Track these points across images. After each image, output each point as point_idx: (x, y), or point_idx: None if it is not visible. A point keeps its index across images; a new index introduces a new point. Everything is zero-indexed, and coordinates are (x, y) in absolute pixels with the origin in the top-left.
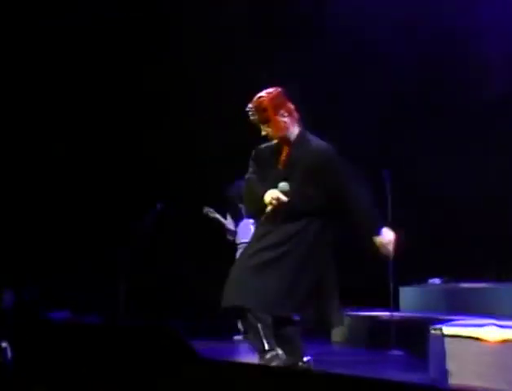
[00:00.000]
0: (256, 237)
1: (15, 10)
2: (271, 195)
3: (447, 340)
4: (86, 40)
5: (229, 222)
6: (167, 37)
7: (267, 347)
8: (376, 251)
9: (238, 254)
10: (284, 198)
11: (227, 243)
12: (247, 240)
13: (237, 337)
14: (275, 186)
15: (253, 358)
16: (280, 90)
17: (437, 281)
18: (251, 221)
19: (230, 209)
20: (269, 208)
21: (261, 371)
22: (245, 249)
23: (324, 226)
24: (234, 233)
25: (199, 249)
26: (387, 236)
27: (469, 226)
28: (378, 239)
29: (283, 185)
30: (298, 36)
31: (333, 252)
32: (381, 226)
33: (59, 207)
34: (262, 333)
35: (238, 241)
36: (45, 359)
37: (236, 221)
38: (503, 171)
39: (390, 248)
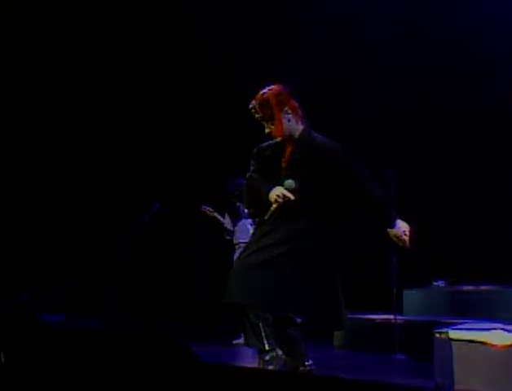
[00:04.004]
0: (259, 234)
1: None
2: (277, 193)
3: (453, 344)
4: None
5: (227, 222)
6: (166, 38)
7: (267, 347)
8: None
9: (236, 254)
10: (290, 195)
11: (226, 243)
12: (245, 240)
13: (237, 341)
14: (280, 184)
15: (252, 362)
16: (282, 86)
17: (441, 283)
18: (249, 220)
19: (228, 209)
20: (274, 205)
21: (261, 376)
22: (248, 246)
23: (329, 224)
24: (232, 233)
25: (197, 250)
26: (402, 228)
27: (474, 227)
28: (393, 232)
29: (289, 182)
30: (298, 35)
31: (338, 253)
32: (396, 218)
33: (54, 209)
34: (262, 332)
35: (236, 241)
36: (38, 363)
37: (234, 220)
38: (509, 172)
39: (406, 239)
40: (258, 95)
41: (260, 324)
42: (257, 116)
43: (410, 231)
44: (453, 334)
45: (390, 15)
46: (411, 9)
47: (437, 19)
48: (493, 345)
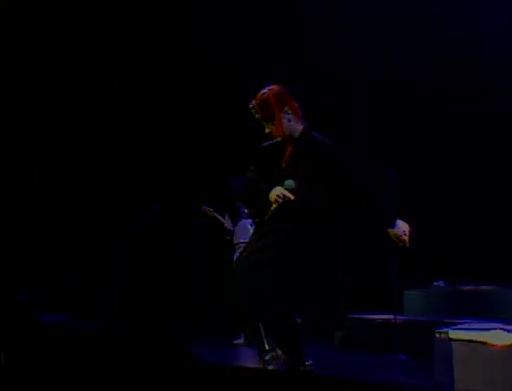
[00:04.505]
0: (259, 234)
1: None
2: (277, 193)
3: (453, 344)
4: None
5: (227, 222)
6: (166, 38)
7: (267, 347)
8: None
9: (236, 254)
10: (290, 195)
11: (226, 243)
12: (245, 240)
13: (237, 341)
14: (280, 184)
15: (252, 362)
16: (282, 86)
17: (441, 283)
18: (249, 221)
19: (228, 209)
20: (274, 205)
21: (261, 376)
22: (248, 246)
23: (329, 224)
24: (232, 233)
25: (197, 250)
26: (402, 228)
27: (474, 227)
28: (393, 232)
29: (289, 182)
30: (298, 34)
31: (338, 253)
32: (395, 218)
33: (54, 209)
34: (262, 332)
35: (236, 241)
36: (38, 363)
37: (234, 220)
38: (509, 172)
39: (406, 239)
40: (258, 95)
41: (260, 324)
42: (257, 116)
43: (410, 231)
44: (453, 334)
45: (390, 14)
46: (410, 9)
47: (436, 20)
48: (493, 345)
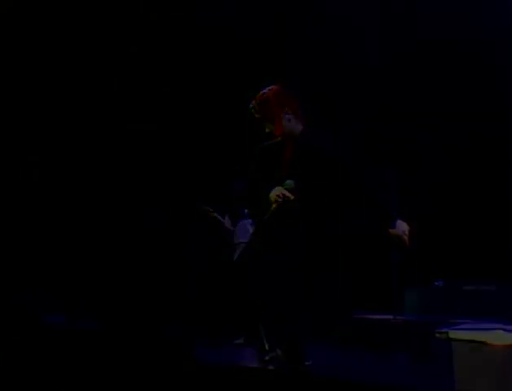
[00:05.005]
0: (259, 235)
1: None
2: (277, 193)
3: (453, 344)
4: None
5: (227, 222)
6: (166, 38)
7: (267, 347)
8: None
9: (236, 254)
10: (290, 195)
11: (226, 243)
12: (245, 240)
13: (237, 341)
14: (280, 184)
15: (253, 362)
16: (282, 86)
17: (441, 283)
18: (249, 221)
19: (228, 209)
20: (274, 205)
21: (261, 376)
22: (248, 246)
23: (329, 224)
24: (232, 233)
25: (197, 250)
26: (402, 228)
27: (474, 227)
28: (393, 232)
29: (289, 182)
30: (298, 33)
31: (337, 253)
32: (396, 218)
33: (54, 209)
34: (263, 332)
35: (236, 241)
36: (38, 363)
37: (235, 220)
38: (510, 172)
39: (406, 239)
40: (258, 95)
41: (260, 324)
42: (257, 116)
43: (410, 231)
44: (453, 334)
45: (389, 14)
46: (409, 9)
47: (437, 19)
48: (493, 345)
